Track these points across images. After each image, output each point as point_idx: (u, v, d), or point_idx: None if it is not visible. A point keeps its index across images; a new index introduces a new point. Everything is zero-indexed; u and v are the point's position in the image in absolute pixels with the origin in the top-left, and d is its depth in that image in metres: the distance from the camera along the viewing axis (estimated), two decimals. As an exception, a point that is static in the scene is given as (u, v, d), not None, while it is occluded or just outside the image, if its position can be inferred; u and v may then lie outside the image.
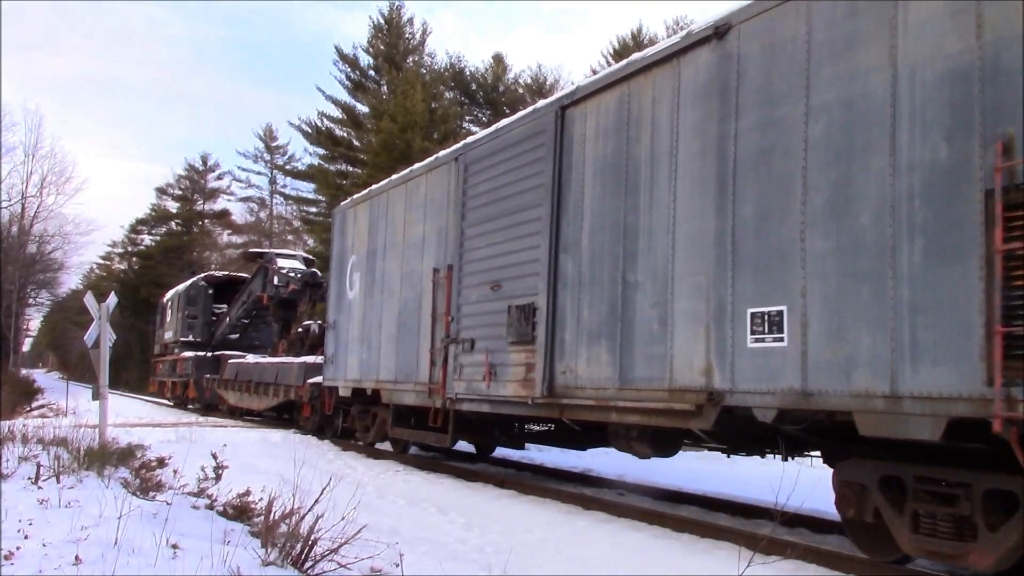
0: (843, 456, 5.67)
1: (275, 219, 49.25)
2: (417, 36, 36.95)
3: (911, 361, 4.62)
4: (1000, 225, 4.23)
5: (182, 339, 25.95)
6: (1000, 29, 4.40)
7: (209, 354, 24.26)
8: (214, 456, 6.92)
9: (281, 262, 20.87)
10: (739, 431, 6.28)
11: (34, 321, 70.91)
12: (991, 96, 4.40)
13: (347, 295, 13.13)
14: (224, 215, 55.69)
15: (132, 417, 20.63)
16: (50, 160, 50.07)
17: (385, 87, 35.00)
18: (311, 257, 23.34)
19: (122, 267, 59.91)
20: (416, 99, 29.15)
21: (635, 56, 7.37)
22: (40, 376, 54.17)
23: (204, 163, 56.44)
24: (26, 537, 4.41)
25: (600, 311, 7.26)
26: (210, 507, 6.16)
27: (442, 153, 10.80)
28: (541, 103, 8.77)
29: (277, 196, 49.51)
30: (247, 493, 6.18)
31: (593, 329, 7.33)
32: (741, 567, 4.21)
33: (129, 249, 58.63)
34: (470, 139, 10.18)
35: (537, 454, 12.20)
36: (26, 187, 42.75)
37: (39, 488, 6.02)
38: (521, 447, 11.42)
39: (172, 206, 56.89)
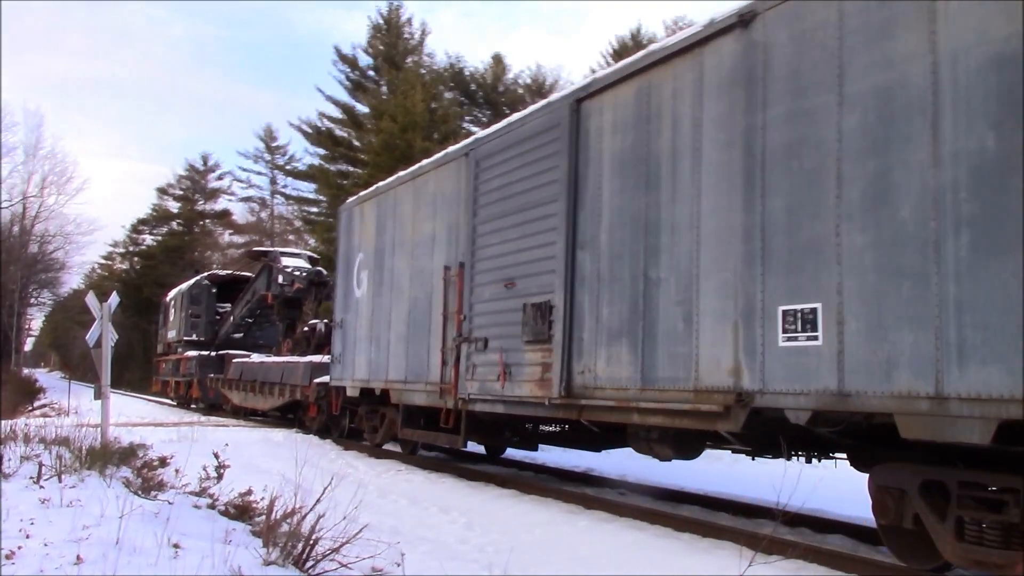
0: (874, 459, 5.47)
1: (276, 219, 49.09)
2: (416, 36, 36.73)
3: (958, 361, 4.41)
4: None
5: (185, 338, 25.83)
6: (1052, 12, 4.19)
7: (213, 353, 24.12)
8: (216, 455, 6.85)
9: (286, 261, 20.72)
10: (767, 433, 6.07)
11: (36, 321, 71.18)
12: (1042, 83, 4.19)
13: (354, 293, 12.92)
14: (225, 215, 55.67)
15: (134, 416, 20.57)
16: (51, 160, 50.18)
17: (385, 87, 34.80)
18: (316, 256, 23.15)
19: (124, 267, 59.89)
20: (416, 99, 28.96)
21: (654, 46, 7.15)
22: (42, 376, 54.18)
23: (205, 163, 56.47)
24: (27, 536, 4.40)
25: (621, 309, 7.05)
26: (212, 507, 6.14)
27: (451, 148, 10.58)
28: (554, 96, 8.55)
29: (278, 196, 49.41)
30: (249, 492, 6.13)
31: (613, 327, 7.12)
32: (743, 567, 4.19)
33: (131, 249, 58.66)
34: (481, 134, 9.95)
35: (539, 454, 12.03)
36: (27, 187, 42.73)
37: (41, 487, 5.97)
38: (534, 448, 11.18)
39: (173, 206, 56.91)
